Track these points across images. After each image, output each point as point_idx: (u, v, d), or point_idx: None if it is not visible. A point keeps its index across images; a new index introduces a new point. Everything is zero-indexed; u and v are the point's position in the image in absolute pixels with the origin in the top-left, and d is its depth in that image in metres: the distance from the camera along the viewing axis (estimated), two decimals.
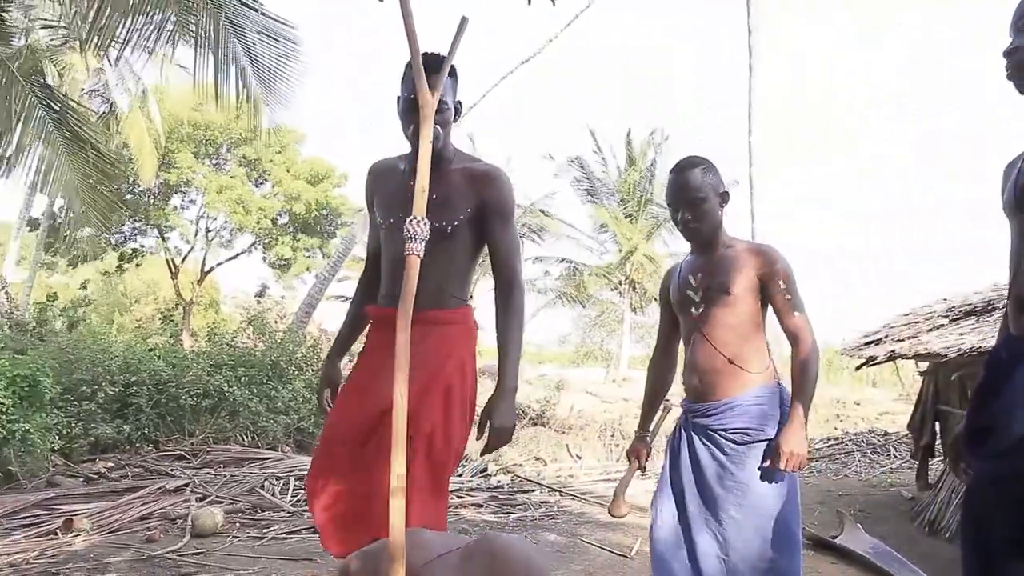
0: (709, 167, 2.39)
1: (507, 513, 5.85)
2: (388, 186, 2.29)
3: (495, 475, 7.23)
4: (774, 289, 2.32)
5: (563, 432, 9.39)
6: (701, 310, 2.39)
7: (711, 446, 2.35)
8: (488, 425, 2.17)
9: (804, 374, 2.28)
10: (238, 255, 22.21)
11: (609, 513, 2.64)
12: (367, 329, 2.38)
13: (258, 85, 6.47)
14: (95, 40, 5.27)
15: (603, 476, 7.83)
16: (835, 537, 4.93)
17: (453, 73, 2.18)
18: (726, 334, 2.34)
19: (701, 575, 2.31)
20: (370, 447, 2.14)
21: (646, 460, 2.64)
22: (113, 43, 5.20)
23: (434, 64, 2.08)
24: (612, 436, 9.43)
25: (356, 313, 2.49)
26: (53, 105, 6.15)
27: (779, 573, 2.24)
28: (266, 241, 21.13)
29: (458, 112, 2.23)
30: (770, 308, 2.37)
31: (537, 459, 8.19)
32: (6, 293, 12.36)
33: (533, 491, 6.77)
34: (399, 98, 2.20)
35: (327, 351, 2.62)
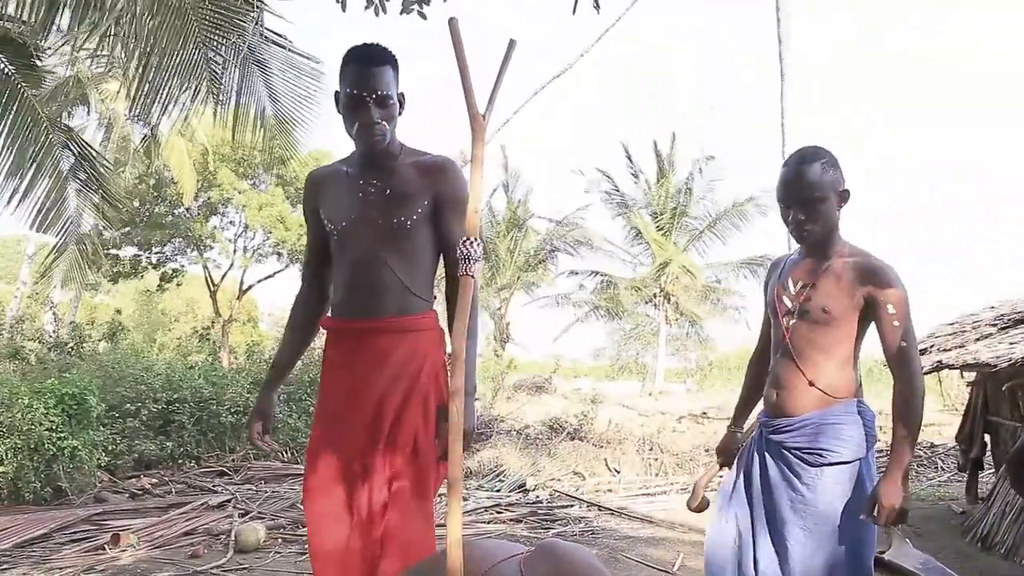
0: (831, 161, 2.14)
1: (546, 528, 5.81)
2: (334, 191, 2.15)
3: (533, 490, 7.19)
4: (882, 313, 2.08)
5: (601, 446, 9.31)
6: (793, 323, 2.19)
7: (783, 465, 2.18)
8: (443, 427, 2.03)
9: (908, 413, 2.06)
10: (276, 273, 22.53)
11: (688, 507, 2.55)
12: (325, 344, 2.20)
13: (278, 114, 6.45)
14: (138, 107, 5.51)
15: (642, 491, 7.74)
16: (883, 553, 4.79)
17: (396, 64, 2.08)
18: (814, 354, 2.15)
19: None
20: (358, 471, 2.02)
21: (734, 458, 2.50)
22: (156, 106, 5.41)
23: (379, 56, 2.03)
24: (651, 450, 9.31)
25: (298, 336, 2.32)
26: (72, 148, 6.36)
27: None
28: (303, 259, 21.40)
29: (401, 104, 2.12)
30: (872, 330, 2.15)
31: (575, 474, 8.13)
32: (53, 314, 12.68)
33: (572, 506, 6.71)
34: (338, 93, 2.07)
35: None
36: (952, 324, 6.64)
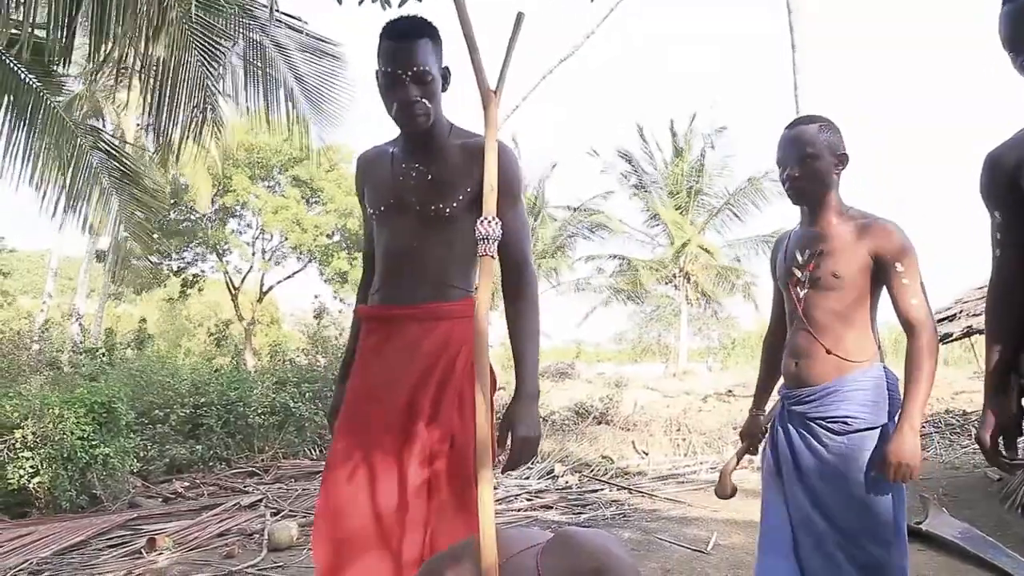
0: (828, 124, 2.17)
1: (577, 513, 5.80)
2: (377, 174, 2.05)
3: (562, 475, 7.18)
4: (890, 272, 2.07)
5: (628, 429, 9.28)
6: (805, 292, 2.17)
7: (808, 436, 2.15)
8: (510, 437, 1.86)
9: (919, 370, 2.03)
10: (295, 273, 22.68)
11: (716, 494, 2.54)
12: (361, 334, 2.08)
13: (307, 105, 6.62)
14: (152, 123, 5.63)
15: (671, 471, 7.71)
16: (920, 523, 4.73)
17: (436, 37, 1.93)
18: (830, 321, 2.13)
19: (805, 573, 2.14)
20: (384, 468, 1.88)
21: (759, 442, 2.49)
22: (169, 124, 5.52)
23: (415, 28, 1.89)
24: (678, 430, 9.28)
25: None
26: (100, 147, 6.44)
27: (884, 570, 2.06)
28: (322, 258, 21.55)
29: (446, 80, 1.98)
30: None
31: (604, 457, 8.11)
32: (80, 324, 12.85)
33: (602, 490, 6.70)
34: (378, 72, 1.94)
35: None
36: (981, 288, 6.52)
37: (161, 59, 4.97)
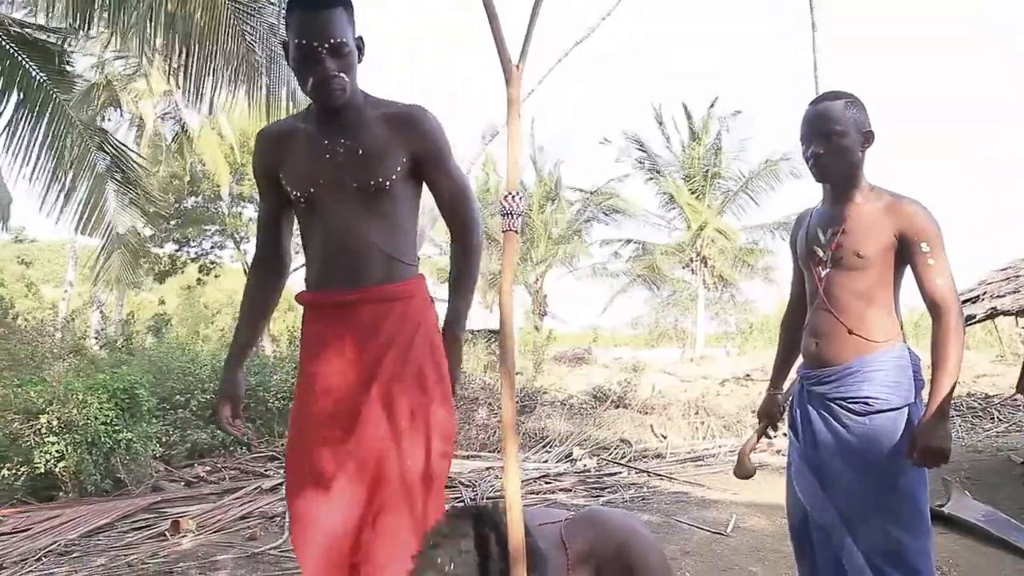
0: (854, 101, 2.10)
1: (597, 496, 5.81)
2: (296, 153, 1.92)
3: (580, 459, 7.19)
4: (914, 250, 2.02)
5: (646, 413, 9.28)
6: (827, 271, 2.13)
7: (829, 417, 2.12)
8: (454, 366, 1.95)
9: (945, 351, 1.98)
10: None
11: (735, 475, 2.53)
12: (303, 322, 2.00)
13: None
14: (187, 97, 5.59)
15: (690, 454, 7.70)
16: (942, 506, 4.69)
17: (349, 4, 1.83)
18: (852, 301, 2.09)
19: (829, 558, 2.11)
20: (350, 454, 1.83)
21: (778, 420, 2.46)
22: (201, 94, 5.48)
23: None
24: (696, 414, 9.26)
25: (256, 308, 2.13)
26: (106, 149, 6.46)
27: (906, 554, 2.01)
28: None
29: (360, 50, 1.87)
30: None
31: (622, 441, 8.11)
32: (101, 312, 12.99)
33: (621, 473, 6.71)
34: (288, 44, 1.83)
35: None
36: (1005, 269, 6.42)
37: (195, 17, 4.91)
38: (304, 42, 1.77)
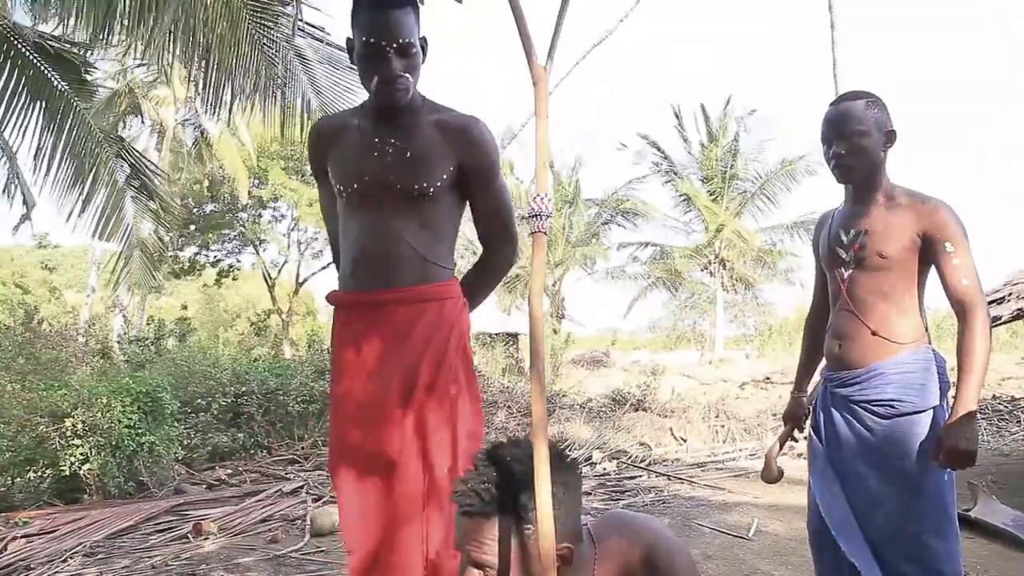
0: (876, 101, 2.07)
1: (616, 500, 5.79)
2: (344, 147, 1.90)
3: (600, 462, 7.16)
4: (939, 251, 1.98)
5: (665, 416, 9.22)
6: (850, 272, 2.10)
7: (852, 420, 2.08)
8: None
9: (972, 352, 1.94)
10: (329, 264, 22.93)
11: (762, 479, 2.52)
12: (334, 322, 1.97)
13: (322, 106, 6.51)
14: (211, 105, 5.63)
15: (710, 458, 7.64)
16: (969, 511, 4.63)
17: (415, 4, 1.79)
18: (875, 302, 2.06)
19: (853, 564, 2.06)
20: (388, 463, 1.82)
21: (803, 423, 2.44)
22: (220, 103, 5.52)
23: None
24: (716, 417, 9.20)
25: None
26: (125, 158, 6.53)
27: (933, 558, 1.98)
28: None
29: (424, 51, 1.83)
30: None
31: (642, 444, 8.08)
32: (124, 316, 13.14)
33: (641, 476, 6.67)
34: (351, 40, 1.81)
35: None
36: None
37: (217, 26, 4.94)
38: (372, 40, 1.74)
